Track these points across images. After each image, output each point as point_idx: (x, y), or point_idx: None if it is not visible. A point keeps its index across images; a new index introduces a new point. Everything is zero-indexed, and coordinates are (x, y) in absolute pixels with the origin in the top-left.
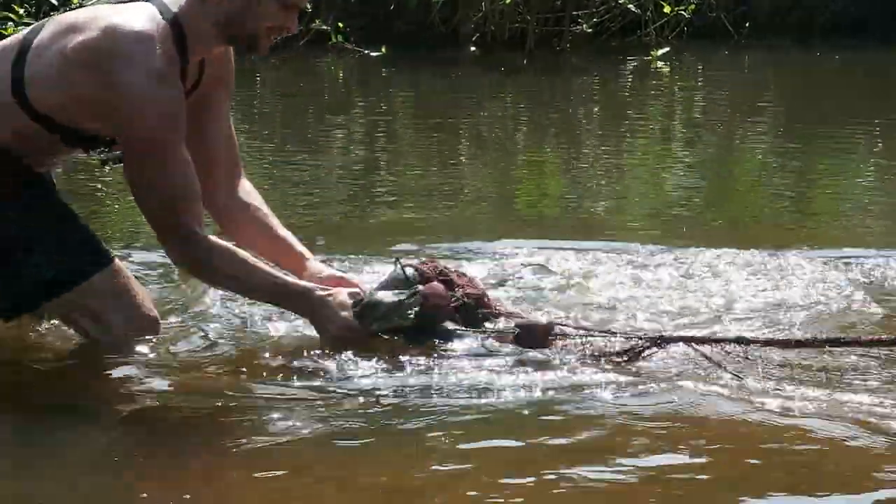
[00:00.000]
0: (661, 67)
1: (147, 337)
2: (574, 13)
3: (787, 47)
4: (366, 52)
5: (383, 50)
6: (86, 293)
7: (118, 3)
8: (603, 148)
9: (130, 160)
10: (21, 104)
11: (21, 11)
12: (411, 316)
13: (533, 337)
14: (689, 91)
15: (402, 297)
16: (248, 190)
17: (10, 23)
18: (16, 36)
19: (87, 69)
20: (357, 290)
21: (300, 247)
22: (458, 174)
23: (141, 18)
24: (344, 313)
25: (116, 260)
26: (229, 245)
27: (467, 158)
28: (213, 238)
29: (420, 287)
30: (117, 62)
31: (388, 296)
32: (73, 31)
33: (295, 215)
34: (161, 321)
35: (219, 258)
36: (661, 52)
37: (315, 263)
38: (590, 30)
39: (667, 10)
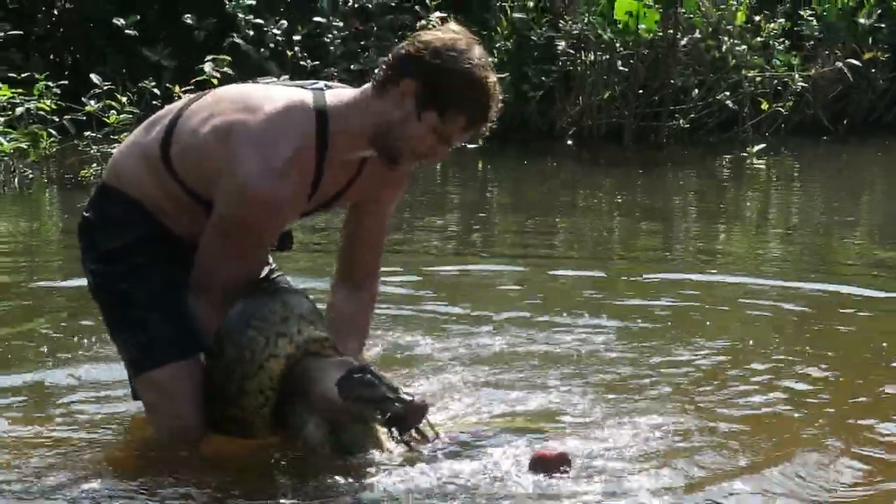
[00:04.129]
0: (757, 163)
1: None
2: (671, 108)
3: (886, 145)
4: (464, 144)
5: (480, 143)
6: (147, 384)
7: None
8: (698, 242)
9: (215, 224)
10: (165, 163)
11: (124, 100)
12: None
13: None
14: (785, 188)
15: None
16: (364, 296)
17: (113, 111)
18: (179, 101)
19: (219, 137)
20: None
21: None
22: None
23: (290, 106)
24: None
25: (191, 358)
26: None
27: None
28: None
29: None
30: (247, 141)
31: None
32: (225, 103)
33: None
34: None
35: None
36: (757, 148)
37: None
38: (686, 125)
39: (764, 106)
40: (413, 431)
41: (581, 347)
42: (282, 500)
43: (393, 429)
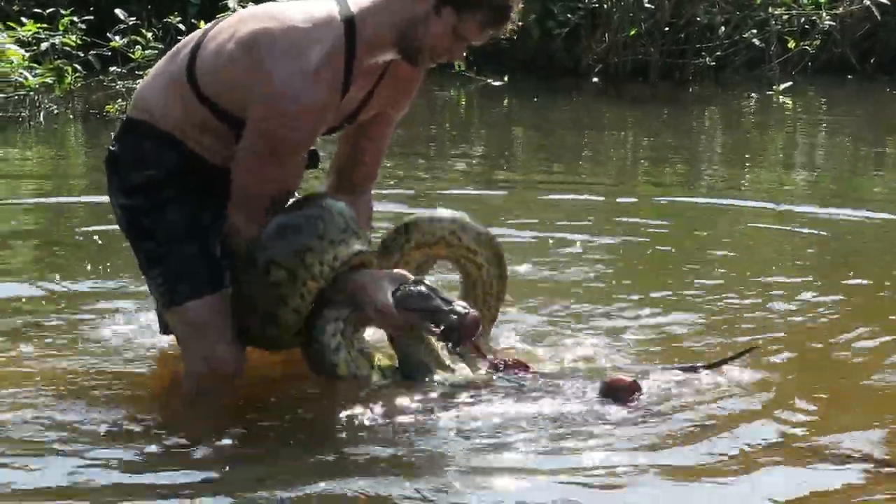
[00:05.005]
0: (783, 101)
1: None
2: (697, 46)
3: None
4: (488, 81)
5: (506, 79)
6: (176, 318)
7: None
8: (722, 174)
9: (248, 142)
10: (192, 86)
11: (149, 35)
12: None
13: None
14: (811, 123)
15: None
16: (364, 198)
17: (138, 46)
18: (200, 29)
19: (246, 50)
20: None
21: None
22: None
23: (315, 15)
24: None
25: (220, 292)
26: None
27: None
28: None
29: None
30: (275, 49)
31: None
32: (249, 18)
33: None
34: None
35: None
36: (783, 86)
37: None
38: (713, 63)
39: (791, 44)
40: (468, 345)
41: (612, 274)
42: (304, 439)
43: (448, 342)
